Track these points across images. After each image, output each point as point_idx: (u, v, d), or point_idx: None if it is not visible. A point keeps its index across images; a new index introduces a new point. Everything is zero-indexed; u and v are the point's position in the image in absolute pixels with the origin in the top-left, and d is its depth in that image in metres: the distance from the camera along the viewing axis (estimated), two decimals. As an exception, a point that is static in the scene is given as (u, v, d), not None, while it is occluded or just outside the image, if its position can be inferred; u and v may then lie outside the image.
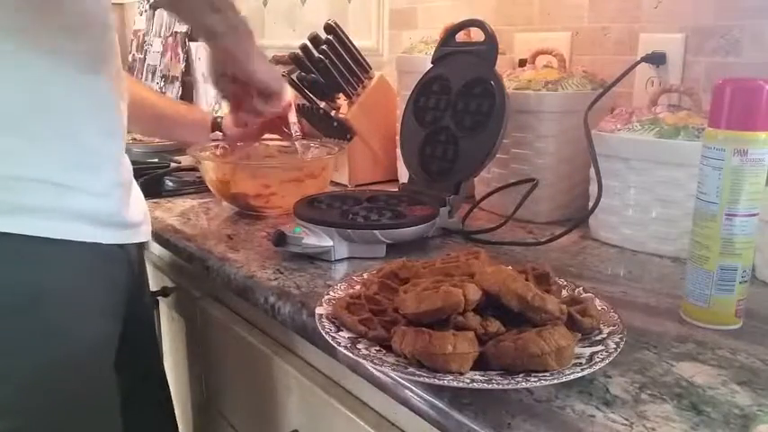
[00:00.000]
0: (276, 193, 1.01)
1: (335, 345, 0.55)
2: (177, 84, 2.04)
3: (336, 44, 1.21)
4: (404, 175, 1.06)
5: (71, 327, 0.68)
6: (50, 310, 0.66)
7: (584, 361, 0.51)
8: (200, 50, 1.92)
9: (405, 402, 0.55)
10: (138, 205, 0.80)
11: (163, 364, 0.96)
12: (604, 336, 0.56)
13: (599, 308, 0.59)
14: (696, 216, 0.63)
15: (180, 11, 0.83)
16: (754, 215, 0.61)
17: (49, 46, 0.67)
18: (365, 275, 0.68)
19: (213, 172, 1.04)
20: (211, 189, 1.08)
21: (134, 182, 0.81)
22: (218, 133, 1.14)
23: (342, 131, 1.22)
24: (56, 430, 0.69)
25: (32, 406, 0.66)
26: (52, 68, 0.67)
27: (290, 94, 1.00)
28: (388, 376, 0.56)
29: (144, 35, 2.34)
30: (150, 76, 2.22)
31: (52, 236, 0.66)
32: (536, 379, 0.49)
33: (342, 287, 0.66)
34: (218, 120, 1.15)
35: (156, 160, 1.42)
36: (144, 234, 0.80)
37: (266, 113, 0.92)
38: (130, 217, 0.77)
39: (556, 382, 0.49)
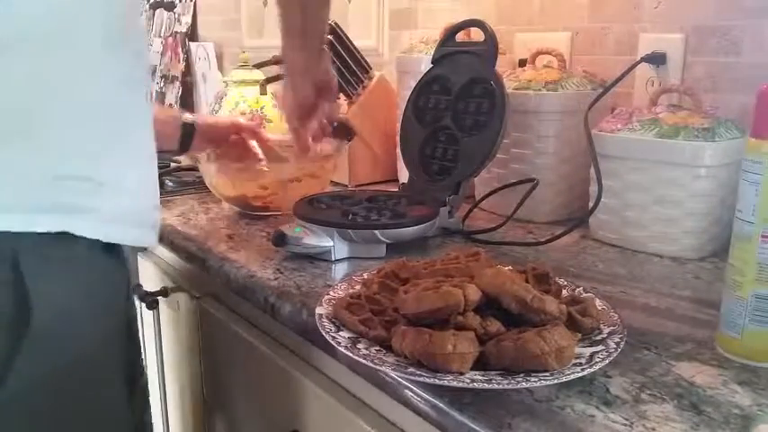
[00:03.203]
0: (276, 193, 1.01)
1: (335, 345, 0.55)
2: (177, 84, 2.04)
3: (336, 44, 1.21)
4: (404, 175, 1.06)
5: (89, 337, 0.69)
6: (72, 324, 0.66)
7: (584, 361, 0.51)
8: (199, 50, 1.92)
9: (405, 402, 0.55)
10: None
11: (162, 371, 0.96)
12: (604, 336, 0.56)
13: (599, 308, 0.59)
14: (733, 236, 0.57)
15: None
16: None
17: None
18: (365, 275, 0.68)
19: (214, 175, 1.04)
20: (212, 190, 1.08)
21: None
22: (189, 116, 1.09)
23: (342, 131, 1.22)
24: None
25: (40, 410, 0.67)
26: (102, 61, 0.65)
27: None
28: (388, 376, 0.56)
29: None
30: (150, 75, 2.22)
31: (91, 236, 0.65)
32: (536, 379, 0.49)
33: (342, 287, 0.66)
34: (189, 123, 1.08)
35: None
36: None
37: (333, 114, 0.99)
38: (157, 216, 0.76)
39: (556, 382, 0.49)
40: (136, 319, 0.90)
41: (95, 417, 0.72)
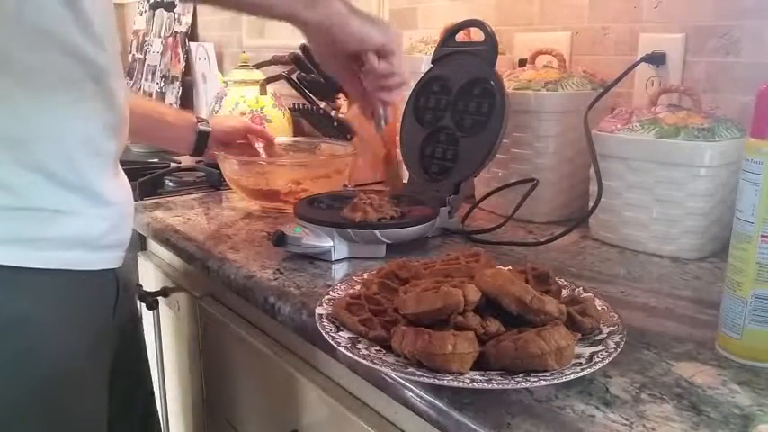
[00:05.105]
0: (307, 189, 1.03)
1: (335, 345, 0.55)
2: (177, 84, 2.04)
3: (336, 44, 1.21)
4: (404, 175, 1.06)
5: (55, 350, 0.67)
6: (33, 333, 0.65)
7: (583, 361, 0.51)
8: (199, 50, 1.92)
9: (405, 402, 0.55)
10: (129, 220, 0.79)
11: (151, 381, 0.96)
12: (604, 335, 0.56)
13: (599, 308, 0.59)
14: (733, 236, 0.57)
15: (272, 13, 0.74)
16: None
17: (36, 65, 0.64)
18: (365, 275, 0.68)
19: (241, 170, 1.05)
20: (232, 186, 1.09)
21: (130, 194, 0.80)
22: (206, 127, 1.11)
23: (342, 131, 1.22)
24: None
25: (17, 428, 0.66)
26: (38, 88, 0.64)
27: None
28: (388, 376, 0.56)
29: (144, 35, 2.34)
30: (150, 76, 2.22)
31: (43, 266, 0.65)
32: (536, 379, 0.49)
33: (342, 287, 0.66)
34: (204, 130, 1.12)
35: (156, 160, 1.42)
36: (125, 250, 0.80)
37: (386, 72, 0.80)
38: (124, 237, 0.76)
39: (556, 382, 0.49)
40: (133, 329, 0.88)
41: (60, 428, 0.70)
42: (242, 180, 1.06)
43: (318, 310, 0.61)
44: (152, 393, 0.96)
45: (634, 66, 0.98)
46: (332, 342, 0.55)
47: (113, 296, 0.77)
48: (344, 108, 1.25)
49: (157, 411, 0.97)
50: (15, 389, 0.65)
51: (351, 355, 0.53)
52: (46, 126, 0.65)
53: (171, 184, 1.24)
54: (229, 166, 1.07)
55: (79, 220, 0.68)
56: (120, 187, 0.77)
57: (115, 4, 0.78)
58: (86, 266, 0.70)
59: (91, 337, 0.72)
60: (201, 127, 1.12)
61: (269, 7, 0.73)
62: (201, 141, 1.12)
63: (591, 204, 0.87)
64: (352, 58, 0.77)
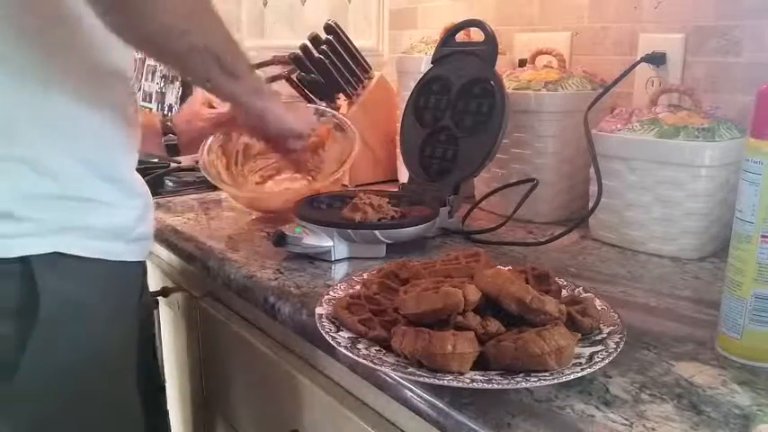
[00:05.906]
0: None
1: (335, 345, 0.55)
2: (177, 84, 2.03)
3: (336, 44, 1.21)
4: (404, 175, 1.06)
5: (105, 336, 0.71)
6: (88, 318, 0.69)
7: (583, 361, 0.51)
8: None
9: (405, 402, 0.55)
10: (152, 211, 0.81)
11: (161, 377, 0.97)
12: (604, 335, 0.56)
13: (599, 308, 0.59)
14: (733, 236, 0.57)
15: (194, 79, 0.79)
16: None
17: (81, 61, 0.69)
18: (365, 275, 0.68)
19: (242, 196, 1.04)
20: (229, 194, 1.07)
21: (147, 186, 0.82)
22: (172, 137, 1.06)
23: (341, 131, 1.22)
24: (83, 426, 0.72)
25: (62, 402, 0.69)
26: (81, 81, 0.69)
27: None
28: (388, 376, 0.56)
29: (144, 35, 2.33)
30: (150, 76, 2.21)
31: (90, 255, 0.69)
32: (536, 379, 0.49)
33: (342, 287, 0.66)
34: (168, 123, 1.07)
35: (156, 160, 1.42)
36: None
37: (299, 150, 0.93)
38: (149, 228, 0.79)
39: (556, 382, 0.49)
40: (149, 322, 0.91)
41: (107, 415, 0.74)
42: (239, 199, 1.05)
43: (318, 310, 0.61)
44: (163, 389, 0.97)
45: (634, 66, 0.98)
46: (332, 342, 0.55)
47: (140, 289, 0.79)
48: (344, 108, 1.25)
49: (167, 407, 0.98)
50: (71, 373, 0.69)
51: (351, 355, 0.53)
52: (93, 123, 0.69)
53: (171, 184, 1.24)
54: (229, 192, 1.04)
55: (116, 210, 0.72)
56: (142, 181, 0.80)
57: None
58: (122, 257, 0.73)
59: (126, 327, 0.76)
60: (168, 141, 1.06)
61: (232, 96, 0.79)
62: (171, 148, 1.07)
63: (591, 204, 0.88)
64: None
